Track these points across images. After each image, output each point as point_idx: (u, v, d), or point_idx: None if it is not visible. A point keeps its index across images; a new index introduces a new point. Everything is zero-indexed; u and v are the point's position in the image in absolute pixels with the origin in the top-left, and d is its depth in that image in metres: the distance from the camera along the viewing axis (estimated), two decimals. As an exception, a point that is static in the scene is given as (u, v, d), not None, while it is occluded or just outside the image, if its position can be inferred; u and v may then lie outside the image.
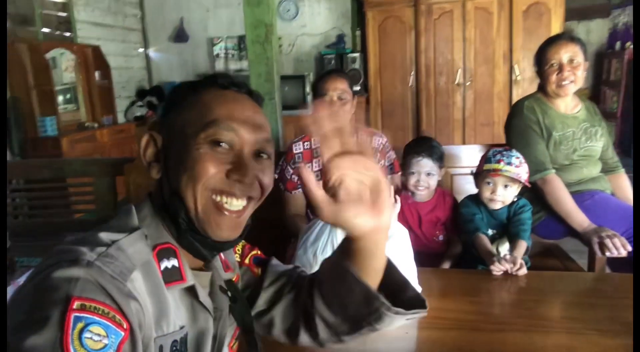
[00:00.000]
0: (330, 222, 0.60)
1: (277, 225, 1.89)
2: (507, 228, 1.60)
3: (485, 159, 1.62)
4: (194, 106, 0.70)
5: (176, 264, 0.67)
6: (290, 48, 5.27)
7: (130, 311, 0.56)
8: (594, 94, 6.43)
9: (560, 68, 1.82)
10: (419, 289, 1.26)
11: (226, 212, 0.68)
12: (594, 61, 6.41)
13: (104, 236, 0.62)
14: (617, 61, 5.82)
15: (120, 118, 5.16)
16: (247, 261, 0.90)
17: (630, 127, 5.60)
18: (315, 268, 1.11)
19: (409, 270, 1.24)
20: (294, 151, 1.94)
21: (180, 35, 5.54)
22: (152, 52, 5.68)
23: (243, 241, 0.83)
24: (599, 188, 1.85)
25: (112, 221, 0.69)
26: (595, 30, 6.17)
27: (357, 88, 4.66)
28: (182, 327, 0.66)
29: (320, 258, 1.12)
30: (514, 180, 1.56)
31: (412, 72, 4.63)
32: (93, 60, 4.65)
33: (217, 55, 5.47)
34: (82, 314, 0.51)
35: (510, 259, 1.37)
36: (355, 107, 1.93)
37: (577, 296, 1.29)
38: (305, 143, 1.96)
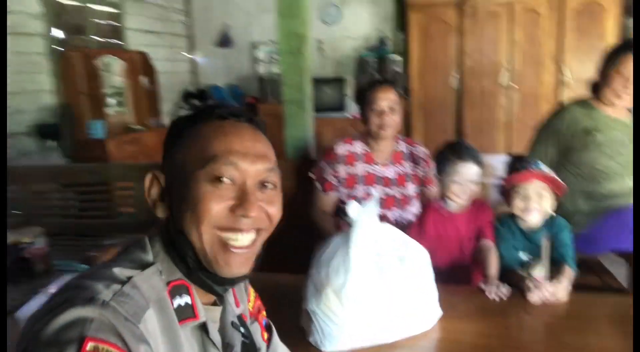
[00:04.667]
0: None
1: (308, 228, 1.91)
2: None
3: (511, 169, 1.54)
4: (192, 142, 0.69)
5: (189, 301, 0.66)
6: (331, 51, 5.27)
7: None
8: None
9: (627, 80, 1.75)
10: (439, 312, 1.22)
11: (233, 250, 0.67)
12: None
13: (118, 271, 0.61)
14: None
15: (166, 121, 5.34)
16: (259, 318, 0.90)
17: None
18: (328, 289, 1.11)
19: (429, 292, 1.20)
20: (338, 152, 1.95)
21: (224, 40, 5.65)
22: (197, 57, 5.84)
23: (254, 292, 0.87)
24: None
25: (126, 254, 0.68)
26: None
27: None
28: None
29: (334, 279, 1.11)
30: (547, 188, 1.47)
31: (455, 74, 4.52)
32: (141, 65, 4.83)
33: (259, 59, 5.54)
34: None
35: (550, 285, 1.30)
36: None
37: (606, 322, 1.21)
38: (349, 145, 1.97)
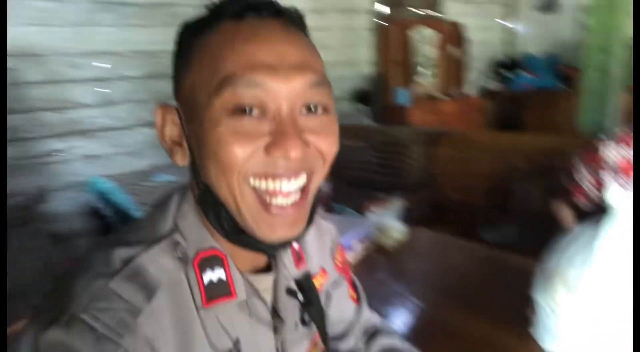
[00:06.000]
0: None
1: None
2: None
3: None
4: (200, 57, 0.49)
5: (223, 277, 0.53)
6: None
7: None
8: None
9: None
10: None
11: (276, 211, 0.50)
12: None
13: (119, 252, 0.49)
14: None
15: (470, 91, 5.30)
16: (348, 274, 0.76)
17: None
18: (557, 280, 0.95)
19: None
20: (606, 156, 1.44)
21: (548, 4, 5.12)
22: (513, 24, 5.51)
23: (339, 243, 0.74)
24: None
25: (145, 218, 0.55)
26: None
27: None
28: (236, 343, 0.54)
29: (565, 269, 0.94)
30: None
31: None
32: (453, 36, 4.90)
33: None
34: None
35: None
36: None
37: None
38: (630, 148, 1.37)
